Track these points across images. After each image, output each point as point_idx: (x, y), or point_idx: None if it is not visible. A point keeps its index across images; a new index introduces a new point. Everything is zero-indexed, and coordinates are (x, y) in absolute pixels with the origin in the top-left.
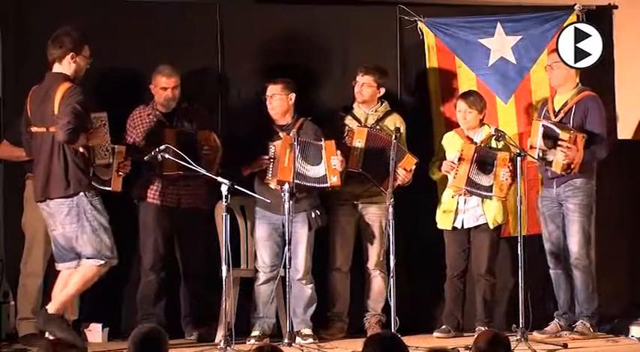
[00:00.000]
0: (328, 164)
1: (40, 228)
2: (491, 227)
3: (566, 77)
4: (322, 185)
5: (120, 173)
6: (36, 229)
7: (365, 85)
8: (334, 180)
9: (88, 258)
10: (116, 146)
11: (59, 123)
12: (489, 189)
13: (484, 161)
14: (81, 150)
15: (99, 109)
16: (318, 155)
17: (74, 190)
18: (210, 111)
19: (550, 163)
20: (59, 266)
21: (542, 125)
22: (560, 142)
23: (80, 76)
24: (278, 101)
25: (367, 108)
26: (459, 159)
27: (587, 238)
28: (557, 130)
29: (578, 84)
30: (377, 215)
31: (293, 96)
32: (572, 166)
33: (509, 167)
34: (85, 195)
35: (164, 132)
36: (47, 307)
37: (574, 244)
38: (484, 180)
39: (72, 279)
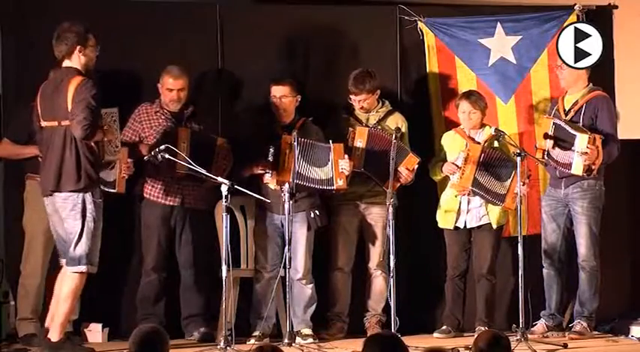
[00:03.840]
0: (336, 167)
1: (39, 228)
2: (495, 227)
3: (576, 78)
4: (327, 187)
5: (124, 175)
6: (35, 229)
7: (361, 101)
8: (340, 183)
9: (70, 260)
10: (120, 148)
11: (75, 119)
12: (502, 198)
13: (496, 165)
14: (92, 144)
15: (109, 105)
16: (325, 157)
17: (85, 184)
18: (210, 111)
19: (568, 166)
20: (63, 261)
21: (554, 123)
22: (579, 143)
23: (91, 66)
24: (288, 103)
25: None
26: (465, 160)
27: (595, 239)
28: (572, 131)
29: (588, 83)
30: (380, 215)
31: (299, 97)
32: (593, 168)
33: (524, 183)
34: (92, 193)
35: (178, 131)
36: (49, 336)
37: (582, 246)
38: (495, 186)
39: (61, 297)
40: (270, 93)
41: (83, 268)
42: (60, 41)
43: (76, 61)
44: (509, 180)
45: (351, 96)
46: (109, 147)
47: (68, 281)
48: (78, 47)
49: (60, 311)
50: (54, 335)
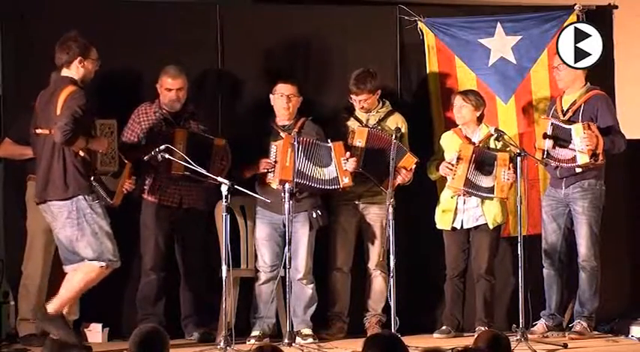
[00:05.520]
0: (339, 165)
1: (39, 230)
2: (491, 227)
3: (573, 78)
4: (333, 187)
5: (124, 189)
6: (35, 230)
7: (362, 101)
8: (346, 181)
9: (90, 260)
10: (125, 161)
11: (57, 124)
12: (490, 190)
13: (483, 162)
14: (81, 153)
15: (107, 116)
16: (328, 157)
17: (73, 193)
18: (210, 111)
19: (572, 160)
20: (66, 268)
21: (551, 123)
22: (575, 133)
23: (88, 79)
24: (294, 102)
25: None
26: (458, 159)
27: (595, 240)
28: (567, 126)
29: (586, 83)
30: (378, 215)
31: (301, 98)
32: (598, 153)
33: (509, 167)
34: (85, 198)
35: (174, 132)
36: (47, 306)
37: (582, 246)
38: (484, 181)
39: (74, 279)
40: (275, 90)
41: (103, 264)
42: (62, 49)
43: (74, 71)
44: (494, 171)
45: (352, 96)
46: (103, 158)
47: (85, 268)
48: (79, 58)
49: (67, 287)
50: (51, 307)
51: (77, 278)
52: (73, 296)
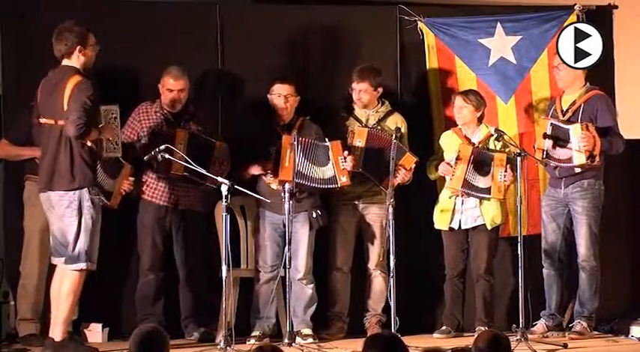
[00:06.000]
0: (337, 164)
1: (35, 229)
2: (489, 228)
3: (573, 78)
4: (331, 186)
5: (122, 190)
6: (32, 231)
7: (362, 92)
8: (344, 180)
9: (69, 258)
10: (124, 163)
11: (70, 118)
12: (487, 190)
13: (482, 162)
14: (89, 144)
15: (109, 102)
16: (325, 156)
17: (79, 184)
18: (210, 111)
19: (570, 160)
20: (54, 260)
21: (551, 123)
22: (573, 134)
23: (90, 65)
24: (292, 102)
25: (368, 109)
26: (457, 160)
27: (595, 239)
28: (566, 126)
29: (586, 83)
30: (378, 215)
31: (299, 97)
32: (595, 154)
33: (506, 168)
34: (89, 190)
35: (175, 133)
36: (52, 336)
37: (582, 246)
38: (482, 181)
39: (62, 296)
40: (272, 91)
41: (83, 265)
42: (60, 40)
43: (75, 60)
44: (491, 171)
45: (352, 86)
46: (108, 145)
47: (68, 279)
48: (78, 47)
49: (61, 309)
50: (57, 335)
51: (64, 293)
52: (70, 311)
